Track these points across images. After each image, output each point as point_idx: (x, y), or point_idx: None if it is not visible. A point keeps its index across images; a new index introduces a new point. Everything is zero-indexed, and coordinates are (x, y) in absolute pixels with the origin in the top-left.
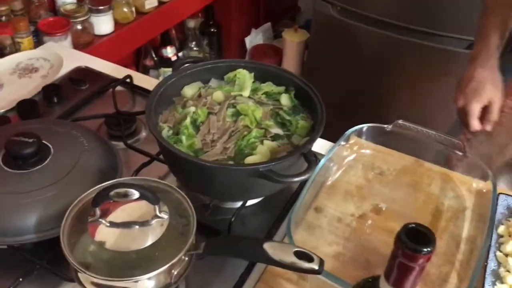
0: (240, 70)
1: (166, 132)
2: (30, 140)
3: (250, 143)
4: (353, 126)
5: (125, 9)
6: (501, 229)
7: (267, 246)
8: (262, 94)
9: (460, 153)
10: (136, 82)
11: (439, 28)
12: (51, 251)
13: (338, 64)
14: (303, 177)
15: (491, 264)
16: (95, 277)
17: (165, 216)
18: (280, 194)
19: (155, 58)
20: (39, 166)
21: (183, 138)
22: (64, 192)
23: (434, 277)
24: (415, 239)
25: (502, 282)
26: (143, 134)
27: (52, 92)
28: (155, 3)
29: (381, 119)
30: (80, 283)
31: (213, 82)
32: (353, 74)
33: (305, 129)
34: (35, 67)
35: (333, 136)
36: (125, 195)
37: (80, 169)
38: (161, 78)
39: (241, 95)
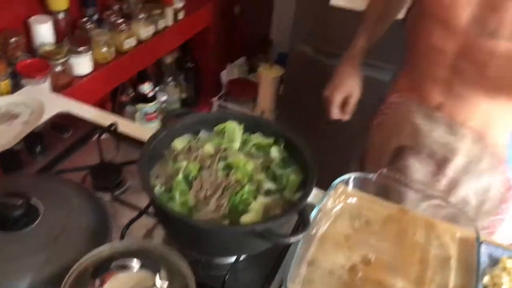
0: (230, 122)
1: (158, 189)
2: (19, 202)
3: (243, 199)
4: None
5: (104, 49)
6: (486, 279)
7: None
8: (252, 146)
9: (442, 202)
10: (121, 128)
11: None
12: None
13: (314, 99)
14: (299, 236)
15: None
16: None
17: (165, 283)
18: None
19: (132, 94)
20: (28, 228)
21: (176, 195)
22: (56, 256)
23: None
24: None
25: None
26: (130, 183)
27: (34, 141)
28: (134, 42)
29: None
30: None
31: (203, 134)
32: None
33: (296, 183)
34: (14, 113)
35: None
36: (126, 266)
37: (71, 230)
38: (138, 115)
39: (231, 148)
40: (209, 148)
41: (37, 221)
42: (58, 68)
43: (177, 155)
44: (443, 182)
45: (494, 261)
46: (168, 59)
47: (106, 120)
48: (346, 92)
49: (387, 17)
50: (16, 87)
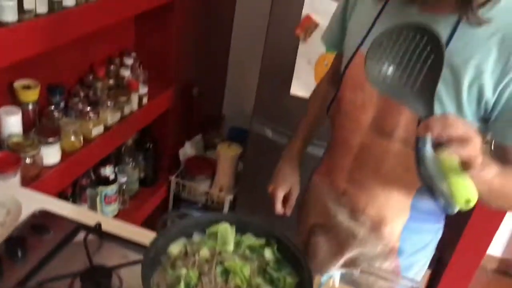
0: (221, 224)
1: None
2: None
3: None
4: None
5: (73, 138)
6: None
7: None
8: (245, 248)
9: None
10: (103, 227)
11: None
12: None
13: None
14: None
15: None
16: None
17: None
18: None
19: (93, 177)
20: None
21: None
22: None
23: None
24: None
25: None
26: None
27: (15, 246)
28: (102, 130)
29: None
30: None
31: (196, 237)
32: None
33: (292, 286)
34: None
35: None
36: None
37: None
38: (98, 199)
39: (226, 251)
40: (205, 252)
41: None
42: (28, 161)
43: (175, 261)
44: (341, 261)
45: None
46: (129, 141)
47: (85, 216)
48: (286, 189)
49: (322, 119)
50: None
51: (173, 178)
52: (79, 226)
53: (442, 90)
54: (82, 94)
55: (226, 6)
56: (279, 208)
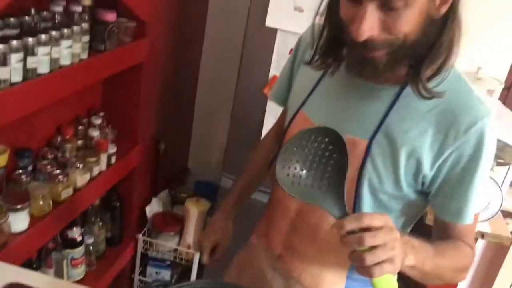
0: None
1: None
2: None
3: None
4: None
5: (41, 203)
6: None
7: None
8: None
9: None
10: None
11: None
12: None
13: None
14: None
15: None
16: None
17: None
18: None
19: (59, 240)
20: None
21: None
22: None
23: None
24: None
25: None
26: None
27: None
28: (71, 192)
29: None
30: None
31: None
32: None
33: None
34: None
35: None
36: None
37: None
38: (65, 262)
39: None
40: None
41: None
42: None
43: None
44: None
45: None
46: (96, 201)
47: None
48: (215, 241)
49: (264, 173)
50: None
51: (140, 236)
52: None
53: (379, 162)
54: (50, 156)
55: (193, 64)
56: (205, 258)
